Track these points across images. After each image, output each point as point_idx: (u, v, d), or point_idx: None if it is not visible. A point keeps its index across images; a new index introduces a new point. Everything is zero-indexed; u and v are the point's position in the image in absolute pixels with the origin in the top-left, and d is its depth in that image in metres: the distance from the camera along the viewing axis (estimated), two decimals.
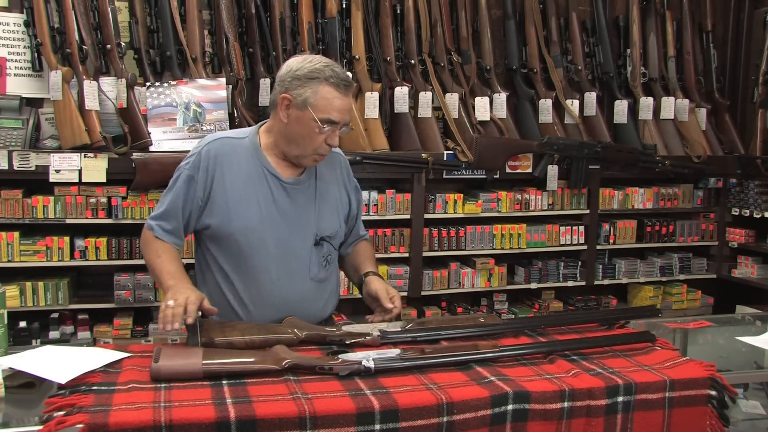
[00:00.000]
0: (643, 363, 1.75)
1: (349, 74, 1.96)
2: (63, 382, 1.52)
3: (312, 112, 1.86)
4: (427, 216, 3.55)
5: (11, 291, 2.97)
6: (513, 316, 3.80)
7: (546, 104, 3.85)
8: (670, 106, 4.04)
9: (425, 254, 3.57)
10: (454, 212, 3.61)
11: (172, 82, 3.21)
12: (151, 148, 3.11)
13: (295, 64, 1.91)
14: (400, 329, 1.89)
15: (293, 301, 1.97)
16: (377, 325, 1.89)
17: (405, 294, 3.57)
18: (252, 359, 1.63)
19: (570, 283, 3.89)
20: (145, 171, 3.04)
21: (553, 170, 3.71)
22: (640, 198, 3.96)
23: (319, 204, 2.01)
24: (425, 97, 3.59)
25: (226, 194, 1.93)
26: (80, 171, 3.02)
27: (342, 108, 1.88)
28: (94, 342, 3.15)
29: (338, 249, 2.21)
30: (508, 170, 3.68)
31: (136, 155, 3.05)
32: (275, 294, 1.96)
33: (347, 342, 1.82)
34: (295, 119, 1.89)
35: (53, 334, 3.14)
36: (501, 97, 3.77)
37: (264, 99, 3.37)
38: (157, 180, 3.06)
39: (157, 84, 3.20)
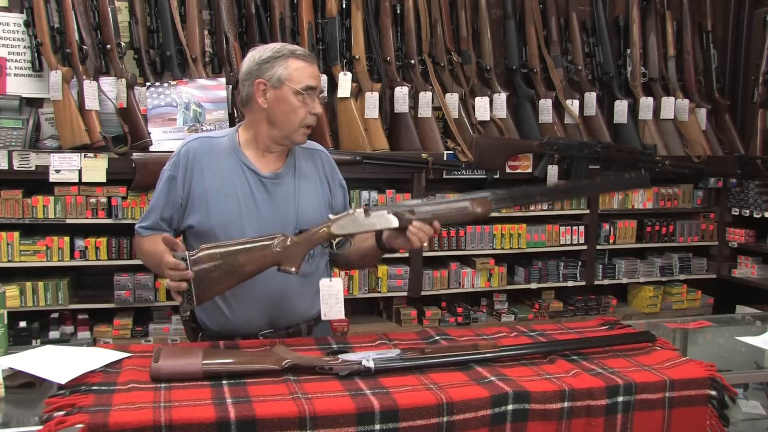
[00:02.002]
0: (643, 363, 1.75)
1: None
2: (63, 382, 1.52)
3: (289, 85, 1.92)
4: None
5: (11, 291, 2.95)
6: (513, 317, 3.80)
7: (546, 104, 3.85)
8: (670, 106, 4.04)
9: (425, 254, 3.57)
10: None
11: (172, 82, 3.21)
12: (151, 148, 3.11)
13: (256, 54, 1.98)
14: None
15: (275, 297, 1.97)
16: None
17: (405, 294, 3.57)
18: (252, 359, 1.64)
19: (570, 283, 3.89)
20: (145, 171, 3.04)
21: (553, 170, 3.71)
22: (640, 198, 3.97)
23: (298, 197, 2.02)
24: (425, 97, 3.59)
25: (205, 191, 1.97)
26: (80, 171, 3.02)
27: (314, 75, 1.95)
28: (94, 342, 3.15)
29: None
30: (508, 170, 3.68)
31: (136, 155, 3.05)
32: (256, 288, 1.95)
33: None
34: (275, 100, 1.93)
35: (53, 334, 3.14)
36: (501, 97, 3.77)
37: None
38: (157, 180, 3.05)
39: (157, 84, 3.20)
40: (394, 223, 1.81)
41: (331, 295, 1.90)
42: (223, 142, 2.02)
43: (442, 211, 1.83)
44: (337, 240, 1.88)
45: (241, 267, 1.77)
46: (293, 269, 1.79)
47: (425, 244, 1.85)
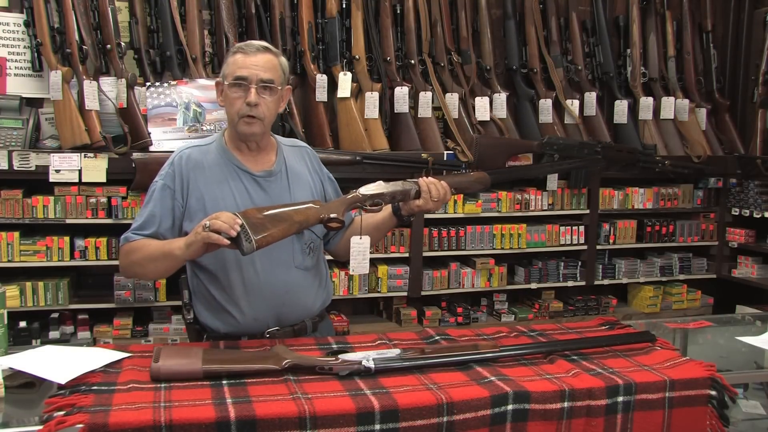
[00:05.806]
0: (643, 363, 1.75)
1: (267, 44, 2.02)
2: (63, 382, 1.52)
3: (228, 81, 1.97)
4: (427, 216, 3.55)
5: (11, 291, 2.97)
6: (513, 317, 3.80)
7: (546, 104, 3.85)
8: (670, 106, 4.04)
9: (425, 254, 3.57)
10: (454, 212, 3.61)
11: (172, 82, 3.21)
12: (151, 148, 3.11)
13: None
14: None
15: (282, 291, 1.98)
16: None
17: (405, 294, 3.57)
18: (252, 359, 1.63)
19: (570, 283, 3.89)
20: (145, 171, 3.03)
21: None
22: (640, 198, 3.97)
23: (293, 192, 2.04)
24: (425, 97, 3.59)
25: (202, 197, 1.98)
26: (80, 171, 3.02)
27: (249, 63, 1.94)
28: (94, 342, 3.15)
29: (329, 239, 2.20)
30: None
31: (136, 155, 3.05)
32: (263, 286, 1.97)
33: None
34: (224, 96, 2.00)
35: (53, 334, 3.14)
36: (501, 97, 3.77)
37: None
38: None
39: (157, 84, 3.20)
40: (412, 187, 2.02)
41: (360, 252, 2.00)
42: (212, 148, 2.05)
43: (451, 178, 2.16)
44: (371, 202, 1.97)
45: (290, 216, 1.82)
46: (336, 215, 1.86)
47: (439, 207, 2.07)
